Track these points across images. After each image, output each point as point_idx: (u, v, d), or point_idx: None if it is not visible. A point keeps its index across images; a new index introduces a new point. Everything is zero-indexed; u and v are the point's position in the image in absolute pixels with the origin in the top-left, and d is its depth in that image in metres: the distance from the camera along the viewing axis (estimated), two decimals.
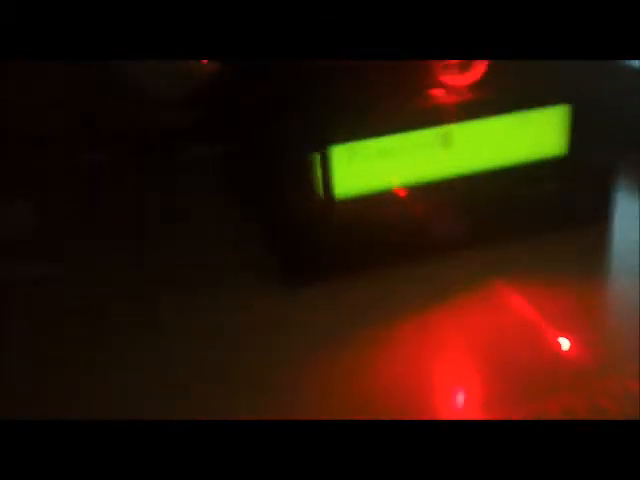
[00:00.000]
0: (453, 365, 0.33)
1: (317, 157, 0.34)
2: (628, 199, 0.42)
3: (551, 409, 0.29)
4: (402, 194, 0.36)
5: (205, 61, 0.47)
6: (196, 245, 0.42)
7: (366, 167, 0.35)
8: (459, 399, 0.31)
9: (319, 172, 0.35)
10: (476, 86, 0.35)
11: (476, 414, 0.30)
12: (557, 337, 0.33)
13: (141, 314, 0.36)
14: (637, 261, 0.37)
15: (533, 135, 0.37)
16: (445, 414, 0.30)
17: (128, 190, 0.47)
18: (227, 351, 0.34)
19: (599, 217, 0.40)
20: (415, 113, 0.35)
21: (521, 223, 0.39)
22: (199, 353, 0.34)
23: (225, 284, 0.38)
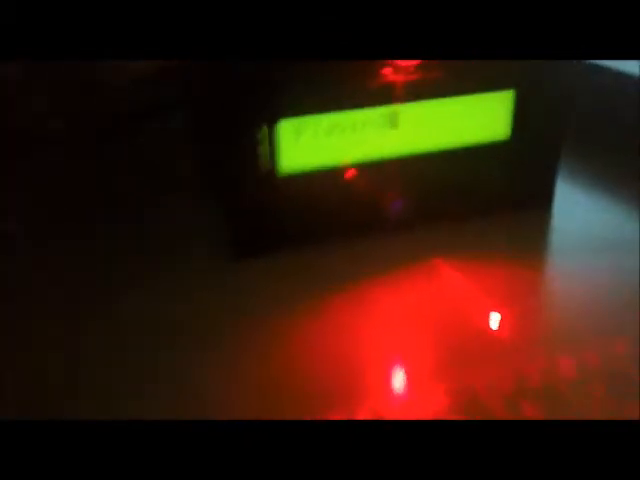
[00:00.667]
0: (390, 337, 0.34)
1: (265, 131, 0.35)
2: (570, 184, 0.44)
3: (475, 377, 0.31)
4: (349, 172, 0.37)
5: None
6: (148, 216, 0.43)
7: (314, 143, 0.36)
8: (395, 370, 0.32)
9: (266, 146, 0.35)
10: (424, 66, 0.36)
11: (410, 384, 0.31)
12: (493, 313, 0.35)
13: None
14: (576, 246, 0.39)
15: (479, 118, 0.38)
16: (379, 382, 0.31)
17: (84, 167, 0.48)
18: (174, 315, 0.35)
19: (541, 201, 0.42)
20: (364, 91, 0.36)
21: (466, 204, 0.40)
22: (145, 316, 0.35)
23: (174, 251, 0.40)
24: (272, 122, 0.35)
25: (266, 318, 0.35)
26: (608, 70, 0.47)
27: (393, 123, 0.37)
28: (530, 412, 0.29)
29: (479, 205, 0.41)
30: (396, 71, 0.36)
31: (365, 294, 0.36)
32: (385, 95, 0.36)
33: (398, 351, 0.33)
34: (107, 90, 0.49)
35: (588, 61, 0.47)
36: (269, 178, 0.36)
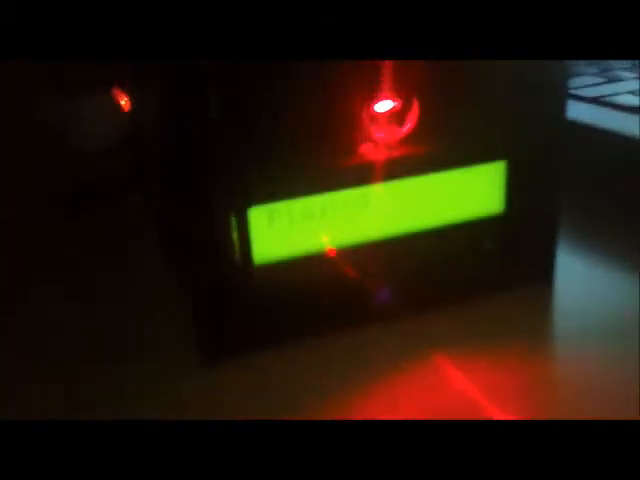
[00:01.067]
0: None
1: (234, 220, 0.31)
2: (571, 258, 0.40)
3: None
4: (329, 258, 0.33)
5: (127, 109, 0.44)
6: (117, 308, 0.38)
7: (288, 230, 0.32)
8: None
9: (237, 236, 0.32)
10: (408, 141, 0.33)
11: None
12: (499, 414, 0.29)
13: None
14: (583, 323, 0.35)
15: (469, 193, 0.35)
16: None
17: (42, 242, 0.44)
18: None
19: (541, 278, 0.38)
20: (342, 171, 0.32)
21: (459, 286, 0.36)
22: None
23: (142, 348, 0.35)
24: (242, 209, 0.31)
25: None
26: (604, 132, 0.44)
27: (376, 203, 0.33)
28: None
29: (474, 286, 0.36)
30: (377, 147, 0.32)
31: (353, 395, 0.31)
32: (366, 174, 0.33)
33: None
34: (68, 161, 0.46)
35: (585, 124, 0.44)
36: (240, 270, 0.32)
